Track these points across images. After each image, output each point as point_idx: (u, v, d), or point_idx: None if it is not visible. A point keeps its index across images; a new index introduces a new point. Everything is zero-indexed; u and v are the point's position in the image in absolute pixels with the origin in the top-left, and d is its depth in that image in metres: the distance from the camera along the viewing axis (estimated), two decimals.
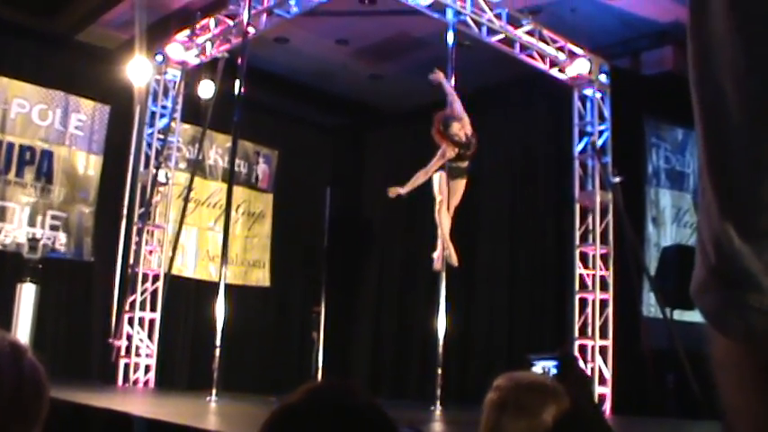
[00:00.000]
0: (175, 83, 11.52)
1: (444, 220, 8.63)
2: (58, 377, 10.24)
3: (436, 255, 8.81)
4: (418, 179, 8.70)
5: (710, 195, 0.86)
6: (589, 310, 10.40)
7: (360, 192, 14.23)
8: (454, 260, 8.66)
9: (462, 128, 8.53)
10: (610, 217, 10.56)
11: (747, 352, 0.83)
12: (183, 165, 12.29)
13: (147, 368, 10.91)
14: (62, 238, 11.36)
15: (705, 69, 0.88)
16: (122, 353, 10.72)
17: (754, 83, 0.82)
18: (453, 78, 8.94)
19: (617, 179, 10.22)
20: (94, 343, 11.21)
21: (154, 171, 11.14)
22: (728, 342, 0.85)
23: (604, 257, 10.54)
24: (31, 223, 11.11)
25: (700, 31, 0.89)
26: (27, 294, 9.88)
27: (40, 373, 1.70)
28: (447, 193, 8.58)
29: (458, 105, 8.68)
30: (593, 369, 10.04)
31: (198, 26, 10.83)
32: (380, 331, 13.41)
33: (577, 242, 10.66)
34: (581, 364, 9.78)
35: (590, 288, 10.47)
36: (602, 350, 10.21)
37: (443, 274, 8.80)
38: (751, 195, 0.81)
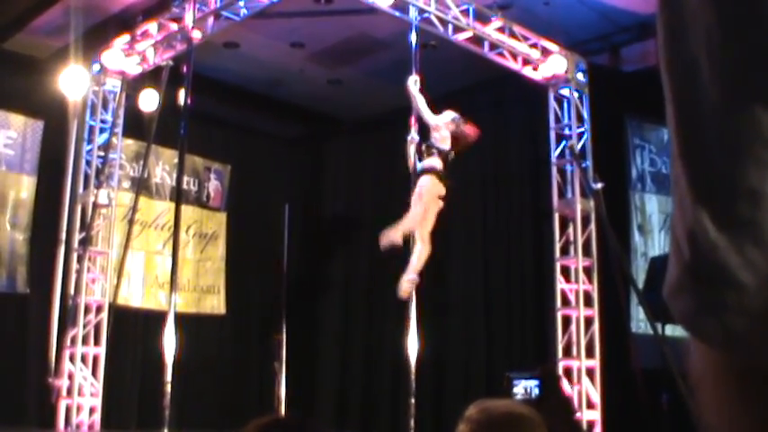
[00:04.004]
0: (115, 94, 11.36)
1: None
2: None
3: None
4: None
5: (684, 184, 0.83)
6: (573, 327, 10.35)
7: (320, 207, 14.16)
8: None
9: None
10: (592, 226, 10.53)
11: (727, 359, 0.80)
12: (126, 184, 12.22)
13: (92, 409, 10.67)
14: None
15: (677, 43, 0.86)
16: (63, 393, 10.48)
17: (730, 56, 0.80)
18: (418, 82, 8.91)
19: (598, 185, 10.18)
20: (31, 383, 11.00)
21: (94, 191, 10.95)
22: (706, 349, 0.82)
23: (587, 270, 10.51)
24: None
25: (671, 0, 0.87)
26: None
27: None
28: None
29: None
30: (579, 392, 9.99)
31: (138, 31, 10.71)
32: (348, 358, 13.37)
33: (557, 255, 10.61)
34: (565, 383, 9.76)
35: (573, 304, 10.42)
36: (589, 371, 10.16)
37: (414, 294, 8.74)
38: (728, 180, 0.79)
